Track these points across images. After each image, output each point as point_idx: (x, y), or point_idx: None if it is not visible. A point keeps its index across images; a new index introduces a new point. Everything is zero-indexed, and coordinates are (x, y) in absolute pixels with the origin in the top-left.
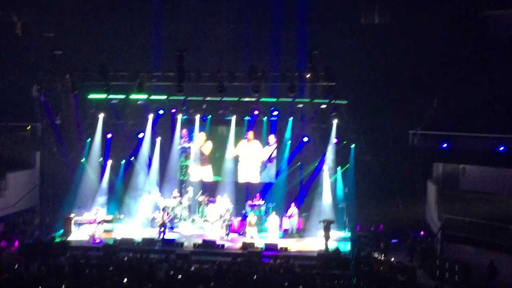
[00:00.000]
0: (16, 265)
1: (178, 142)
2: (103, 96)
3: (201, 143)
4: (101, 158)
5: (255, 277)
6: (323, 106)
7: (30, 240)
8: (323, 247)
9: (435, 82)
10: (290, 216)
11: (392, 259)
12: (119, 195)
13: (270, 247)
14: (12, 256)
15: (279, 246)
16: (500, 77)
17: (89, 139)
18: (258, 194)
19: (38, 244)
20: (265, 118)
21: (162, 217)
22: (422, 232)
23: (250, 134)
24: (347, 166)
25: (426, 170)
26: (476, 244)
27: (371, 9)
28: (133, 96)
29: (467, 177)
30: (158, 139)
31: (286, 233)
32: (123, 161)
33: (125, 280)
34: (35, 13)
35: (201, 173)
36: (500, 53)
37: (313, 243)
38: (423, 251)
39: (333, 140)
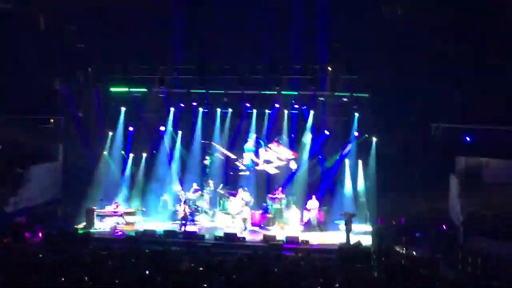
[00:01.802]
0: (40, 255)
1: (199, 135)
2: (125, 89)
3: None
4: (123, 151)
5: (275, 269)
6: (345, 99)
7: (53, 232)
8: (344, 240)
9: (458, 75)
10: (310, 209)
11: (414, 252)
12: (141, 187)
13: (291, 240)
14: (36, 247)
15: (300, 239)
16: None
17: (111, 132)
18: (278, 187)
19: (61, 235)
20: (286, 111)
21: (184, 210)
22: (444, 226)
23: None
24: (368, 159)
25: (448, 164)
26: (499, 238)
27: (393, 0)
28: (154, 89)
29: (490, 170)
30: (179, 132)
31: (306, 226)
32: (145, 154)
33: (147, 272)
34: (58, 6)
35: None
36: None
37: (334, 236)
38: (446, 245)
39: (355, 133)
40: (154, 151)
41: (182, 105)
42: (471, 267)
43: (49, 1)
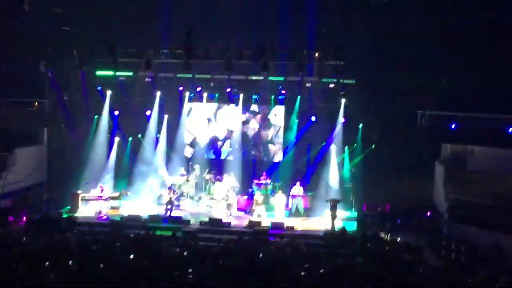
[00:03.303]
0: (24, 240)
1: (185, 119)
2: (111, 73)
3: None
4: (109, 135)
5: (261, 255)
6: (331, 85)
7: (37, 216)
8: (329, 227)
9: (445, 62)
10: (294, 196)
11: (399, 239)
12: (126, 172)
13: (277, 226)
14: (20, 231)
15: (285, 225)
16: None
17: (97, 115)
18: (264, 173)
19: (45, 219)
20: (272, 97)
21: (169, 195)
22: (429, 212)
23: (258, 117)
24: (354, 145)
25: (434, 151)
26: (483, 225)
27: None
28: (140, 73)
29: (476, 158)
30: (166, 117)
31: (290, 212)
32: (130, 138)
33: (132, 256)
34: None
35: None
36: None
37: (320, 222)
38: (430, 231)
39: (341, 119)
40: (140, 136)
41: (168, 89)
42: (454, 254)
43: None
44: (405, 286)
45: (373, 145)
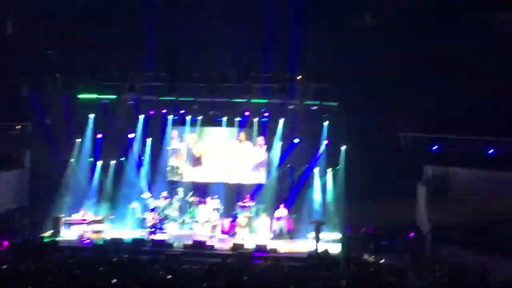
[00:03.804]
0: (5, 266)
1: (168, 142)
2: (94, 96)
3: (192, 144)
4: (91, 158)
5: (245, 278)
6: (314, 107)
7: (19, 240)
8: (313, 249)
9: (426, 85)
10: (279, 218)
11: (382, 260)
12: (109, 195)
13: (260, 248)
14: (1, 256)
15: (269, 247)
16: (491, 81)
17: (79, 139)
18: (248, 196)
19: (27, 244)
20: (256, 119)
21: (153, 218)
22: (412, 234)
23: (242, 135)
24: (337, 167)
25: (416, 172)
26: (466, 246)
27: (362, 10)
28: (123, 97)
29: (458, 179)
30: (149, 140)
31: (275, 235)
32: (113, 162)
33: (115, 280)
34: (26, 12)
35: (193, 174)
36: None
37: (303, 244)
38: (413, 253)
39: (324, 141)
40: (123, 159)
41: (151, 112)
42: (438, 275)
43: (16, 6)
44: None
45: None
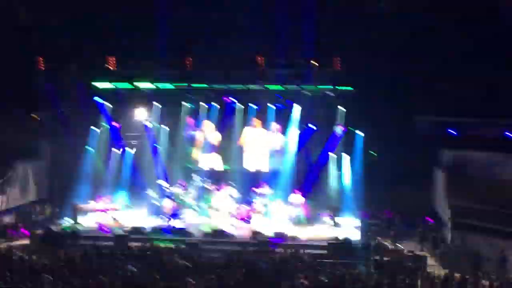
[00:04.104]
0: (27, 256)
1: (184, 130)
2: (109, 85)
3: (207, 131)
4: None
5: (264, 265)
6: (329, 93)
7: (40, 231)
8: (332, 235)
9: (443, 68)
10: (296, 204)
11: (402, 247)
12: (126, 183)
13: (278, 236)
14: (24, 247)
15: (287, 235)
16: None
17: (96, 128)
18: (264, 182)
19: (48, 234)
20: (271, 105)
21: (169, 205)
22: (431, 220)
23: (256, 121)
24: (354, 153)
25: (434, 157)
26: (485, 232)
27: None
28: (139, 84)
29: (476, 164)
30: (164, 127)
31: (292, 221)
32: (130, 150)
33: (135, 269)
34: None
35: (209, 161)
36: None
37: (322, 231)
38: (433, 239)
39: (340, 127)
40: (139, 147)
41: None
42: (457, 261)
43: None
44: None
45: (373, 152)
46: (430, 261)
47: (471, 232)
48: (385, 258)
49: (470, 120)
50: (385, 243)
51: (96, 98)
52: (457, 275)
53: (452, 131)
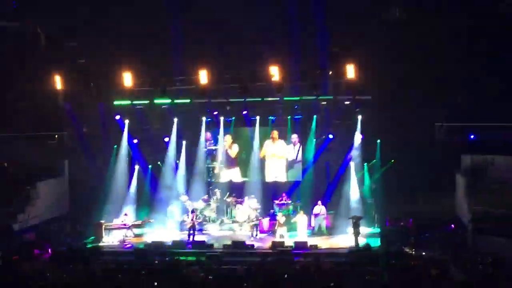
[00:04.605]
0: (49, 273)
1: (203, 144)
2: (128, 102)
3: (227, 145)
4: (129, 164)
5: (285, 276)
6: (347, 102)
7: (62, 248)
8: (353, 244)
9: (460, 74)
10: (316, 215)
11: (423, 253)
12: (147, 199)
13: (300, 246)
14: (45, 264)
15: (308, 244)
16: None
17: (116, 145)
18: (284, 194)
19: (70, 251)
20: (289, 117)
21: (191, 220)
22: (452, 225)
23: (275, 133)
24: (373, 161)
25: (454, 163)
26: (506, 235)
27: (392, 4)
28: (157, 101)
29: (497, 168)
30: (184, 142)
31: (314, 232)
32: (150, 166)
33: (156, 283)
34: (57, 23)
35: (229, 174)
36: None
37: (343, 240)
38: (455, 245)
39: (359, 136)
40: (159, 162)
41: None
42: (481, 267)
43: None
44: None
45: (392, 160)
46: (452, 266)
47: (492, 236)
48: (406, 264)
49: (489, 124)
50: (406, 249)
51: (116, 116)
52: (479, 280)
53: (472, 136)
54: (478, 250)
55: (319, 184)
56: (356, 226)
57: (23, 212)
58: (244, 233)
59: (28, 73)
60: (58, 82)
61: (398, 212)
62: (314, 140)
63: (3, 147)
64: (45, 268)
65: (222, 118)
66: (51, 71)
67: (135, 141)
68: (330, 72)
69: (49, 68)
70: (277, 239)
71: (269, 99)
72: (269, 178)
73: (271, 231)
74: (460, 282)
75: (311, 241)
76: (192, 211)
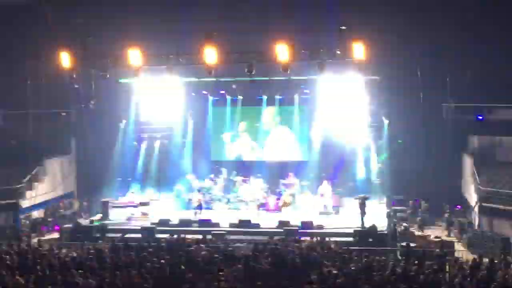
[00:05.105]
0: (57, 250)
1: (210, 123)
2: (135, 79)
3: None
4: (135, 142)
5: (291, 255)
6: (355, 81)
7: (70, 225)
8: (359, 224)
9: (468, 54)
10: (323, 194)
11: (429, 233)
12: (154, 177)
13: (306, 225)
14: (53, 241)
15: (314, 224)
16: None
17: (123, 122)
18: (291, 173)
19: (77, 228)
20: (296, 96)
21: (198, 198)
22: (459, 206)
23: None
24: (381, 141)
25: (461, 143)
26: None
27: None
28: (164, 79)
29: (504, 149)
30: (191, 121)
31: (320, 211)
32: (157, 144)
33: (163, 261)
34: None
35: (236, 153)
36: None
37: (349, 219)
38: (460, 225)
39: (366, 116)
40: (166, 141)
41: (193, 94)
42: (485, 246)
43: None
44: (437, 282)
45: (399, 141)
46: (458, 246)
47: (498, 217)
48: (412, 244)
49: (497, 104)
50: (412, 229)
51: (123, 94)
52: (485, 259)
53: (479, 116)
54: (484, 230)
55: (326, 164)
56: (362, 206)
57: (31, 189)
58: (250, 212)
59: (36, 50)
60: (65, 59)
61: (405, 193)
62: (322, 119)
63: (11, 124)
64: (53, 244)
65: (228, 97)
66: (59, 48)
67: (142, 119)
68: (338, 52)
69: (56, 45)
70: (284, 218)
71: (276, 78)
72: (276, 157)
73: (277, 210)
74: (465, 262)
75: (317, 220)
76: (199, 190)
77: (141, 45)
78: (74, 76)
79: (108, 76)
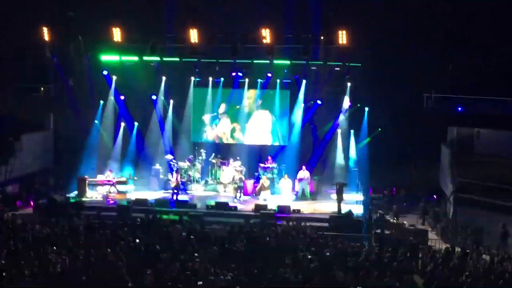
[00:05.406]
0: (31, 225)
1: (191, 104)
2: (116, 58)
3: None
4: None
5: (267, 238)
6: (337, 68)
7: (45, 201)
8: (335, 210)
9: (451, 45)
10: (301, 179)
11: (404, 222)
12: (132, 156)
13: (283, 209)
14: (27, 216)
15: (291, 208)
16: None
17: (102, 101)
18: (270, 157)
19: (52, 204)
20: (278, 81)
21: (176, 179)
22: (435, 196)
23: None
24: (360, 129)
25: (440, 134)
26: (489, 208)
27: None
28: (146, 58)
29: (482, 141)
30: (171, 101)
31: (297, 196)
32: (136, 123)
33: (138, 240)
34: None
35: (215, 135)
36: None
37: (326, 205)
38: (435, 214)
39: (347, 103)
40: (146, 120)
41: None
42: (458, 235)
43: None
44: (410, 270)
45: (379, 129)
46: (431, 235)
47: (473, 207)
48: (386, 232)
49: (477, 97)
50: (387, 217)
51: (103, 71)
52: (458, 249)
53: (459, 108)
54: (458, 220)
55: (305, 150)
56: (339, 192)
57: (6, 164)
58: (228, 195)
59: (16, 24)
60: (45, 33)
61: (382, 181)
62: (302, 105)
63: None
64: (27, 219)
65: (210, 79)
66: (39, 23)
67: (122, 97)
68: (322, 37)
69: (37, 19)
70: (261, 202)
71: (259, 61)
72: (255, 141)
73: (255, 193)
74: (438, 250)
75: (294, 205)
76: (177, 171)
77: (124, 23)
78: (53, 51)
79: (88, 53)
